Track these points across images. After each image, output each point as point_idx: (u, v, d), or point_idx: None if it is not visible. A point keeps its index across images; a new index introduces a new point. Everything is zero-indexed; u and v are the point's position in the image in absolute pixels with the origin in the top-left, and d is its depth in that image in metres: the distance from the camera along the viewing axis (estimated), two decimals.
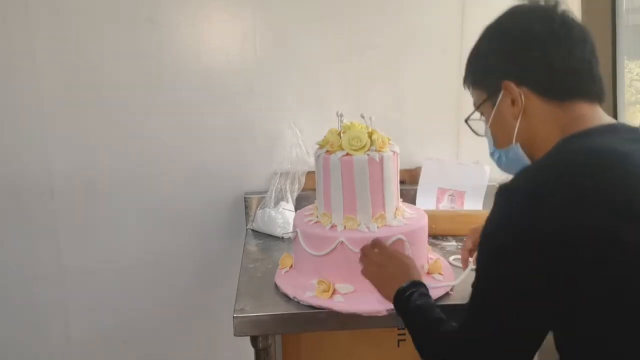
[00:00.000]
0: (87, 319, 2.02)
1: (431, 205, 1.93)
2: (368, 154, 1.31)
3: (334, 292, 1.29)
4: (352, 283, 1.30)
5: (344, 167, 1.31)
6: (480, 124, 1.09)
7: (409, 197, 1.91)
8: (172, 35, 1.86)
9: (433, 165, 1.95)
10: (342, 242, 1.29)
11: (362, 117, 1.36)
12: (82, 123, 1.88)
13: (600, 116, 0.99)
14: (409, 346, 2.08)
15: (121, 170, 1.92)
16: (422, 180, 1.95)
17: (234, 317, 1.28)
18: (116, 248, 1.97)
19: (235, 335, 1.29)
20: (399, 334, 2.03)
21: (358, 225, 1.32)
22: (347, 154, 1.32)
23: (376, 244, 1.27)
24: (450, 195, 1.94)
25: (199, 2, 1.85)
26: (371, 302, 1.26)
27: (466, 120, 1.12)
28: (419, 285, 1.16)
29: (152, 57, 1.87)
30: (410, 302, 1.11)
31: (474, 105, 1.07)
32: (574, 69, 0.96)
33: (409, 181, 1.97)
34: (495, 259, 0.88)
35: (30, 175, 1.90)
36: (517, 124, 0.98)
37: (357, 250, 1.29)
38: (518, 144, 1.01)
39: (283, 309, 1.31)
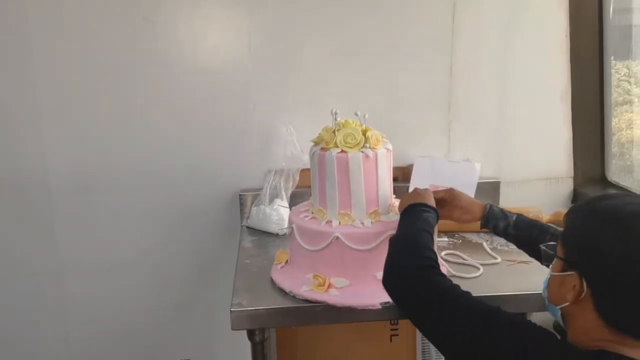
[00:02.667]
0: (84, 315, 2.03)
1: None
2: (362, 151, 1.34)
3: (329, 286, 1.32)
4: (346, 277, 1.33)
5: (338, 164, 1.34)
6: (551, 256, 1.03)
7: (401, 194, 1.90)
8: (168, 34, 1.88)
9: (425, 162, 1.98)
10: (337, 237, 1.32)
11: (356, 114, 1.38)
12: (79, 121, 1.89)
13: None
14: (401, 341, 2.12)
15: (118, 168, 1.93)
16: (414, 177, 1.98)
17: (231, 311, 1.30)
18: (113, 245, 1.99)
19: (232, 329, 1.31)
20: (391, 329, 2.06)
21: (353, 221, 1.35)
22: (342, 151, 1.34)
23: None
24: None
25: (194, 1, 1.87)
26: (366, 295, 1.29)
27: (542, 247, 1.07)
28: (433, 211, 1.24)
29: (148, 55, 1.88)
30: (420, 214, 1.21)
31: (557, 250, 0.99)
32: None
33: (402, 178, 1.99)
34: None
35: (27, 173, 1.91)
36: (566, 303, 0.94)
37: (352, 245, 1.31)
38: (559, 311, 0.98)
39: (279, 303, 1.33)
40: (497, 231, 1.36)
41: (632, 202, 0.90)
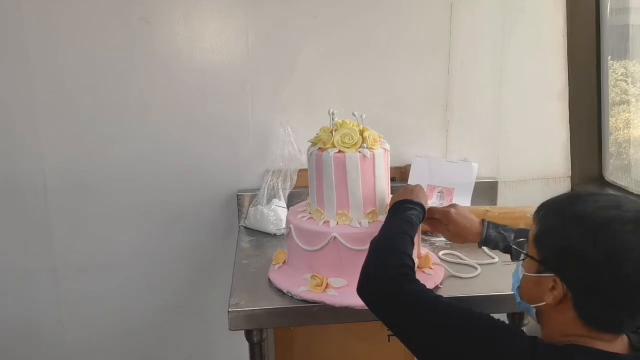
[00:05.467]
0: (80, 315, 2.03)
1: None
2: (360, 152, 1.34)
3: (327, 286, 1.32)
4: (344, 277, 1.33)
5: (336, 164, 1.34)
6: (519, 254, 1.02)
7: None
8: (165, 34, 1.88)
9: (422, 163, 1.98)
10: (335, 238, 1.32)
11: (354, 115, 1.38)
12: (76, 121, 1.89)
13: (616, 345, 0.91)
14: (398, 341, 2.12)
15: (114, 168, 1.93)
16: (412, 177, 1.98)
17: (229, 311, 1.30)
18: (109, 245, 1.98)
19: (230, 329, 1.31)
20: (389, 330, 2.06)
21: (350, 221, 1.35)
22: (340, 152, 1.35)
23: None
24: (439, 193, 1.98)
25: (192, 1, 1.87)
26: None
27: (512, 245, 1.05)
28: (422, 210, 1.25)
29: (145, 56, 1.88)
30: (404, 212, 1.22)
31: (528, 247, 0.98)
32: (631, 313, 0.89)
33: (399, 178, 2.00)
34: None
35: (24, 173, 1.90)
36: (543, 304, 0.94)
37: (350, 245, 1.32)
38: (534, 310, 0.99)
39: (277, 303, 1.34)
40: (499, 250, 1.35)
41: (608, 205, 0.89)
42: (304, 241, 1.37)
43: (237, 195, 1.95)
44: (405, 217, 1.21)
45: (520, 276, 1.01)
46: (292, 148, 1.89)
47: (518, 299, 1.03)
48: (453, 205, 1.36)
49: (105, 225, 1.97)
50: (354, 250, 1.32)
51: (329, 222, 1.36)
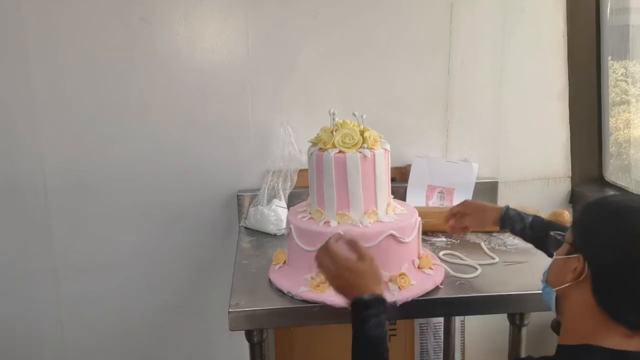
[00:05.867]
0: (80, 315, 2.03)
1: (421, 202, 1.96)
2: (360, 152, 1.34)
3: (327, 286, 1.32)
4: None
5: (336, 164, 1.34)
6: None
7: (399, 194, 1.94)
8: (165, 34, 1.88)
9: (423, 163, 1.98)
10: None
11: (354, 115, 1.38)
12: (75, 121, 1.89)
13: (631, 342, 0.92)
14: (399, 341, 2.13)
15: (114, 168, 1.93)
16: (412, 177, 1.98)
17: (229, 312, 1.30)
18: (109, 245, 1.98)
19: (230, 329, 1.31)
20: (389, 329, 2.06)
21: (351, 221, 1.35)
22: (340, 152, 1.34)
23: (350, 243, 1.17)
24: (439, 193, 1.98)
25: (191, 1, 1.87)
26: None
27: (551, 233, 1.14)
28: (380, 305, 1.08)
29: (145, 56, 1.88)
30: (365, 330, 1.05)
31: (566, 237, 1.01)
32: None
33: (400, 178, 2.00)
34: None
35: (24, 173, 1.90)
36: (564, 285, 0.96)
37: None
38: (554, 293, 1.00)
39: (277, 303, 1.33)
40: (514, 232, 1.42)
41: (635, 198, 0.95)
42: (304, 241, 1.37)
43: (237, 195, 1.95)
44: (367, 336, 1.05)
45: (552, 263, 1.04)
46: (292, 148, 1.89)
47: (542, 284, 1.05)
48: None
49: (105, 225, 1.97)
50: None
51: (329, 222, 1.36)
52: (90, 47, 1.85)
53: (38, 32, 1.82)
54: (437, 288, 1.37)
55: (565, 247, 1.00)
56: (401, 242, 1.35)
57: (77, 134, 1.90)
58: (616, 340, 0.90)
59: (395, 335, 2.06)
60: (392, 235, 1.33)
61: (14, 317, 2.01)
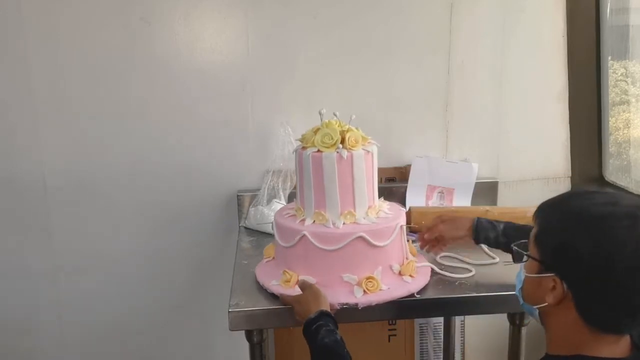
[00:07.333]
0: (80, 315, 2.03)
1: (421, 202, 1.96)
2: (337, 151, 1.33)
3: (297, 282, 1.33)
4: (313, 276, 1.34)
5: (313, 163, 1.35)
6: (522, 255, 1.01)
7: (399, 194, 1.94)
8: (165, 34, 1.88)
9: (422, 163, 1.98)
10: (304, 235, 1.33)
11: (335, 115, 1.39)
12: (75, 121, 1.89)
13: (619, 346, 0.91)
14: (399, 341, 2.12)
15: (114, 168, 1.93)
16: (411, 177, 1.98)
17: (229, 311, 1.30)
18: (109, 245, 1.99)
19: (230, 329, 1.31)
20: (389, 329, 2.06)
21: (326, 221, 1.35)
22: (318, 151, 1.35)
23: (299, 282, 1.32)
24: (439, 193, 1.98)
25: (191, 1, 1.87)
26: (328, 295, 1.27)
27: (513, 246, 1.04)
28: (326, 317, 1.18)
29: (145, 55, 1.88)
30: (318, 340, 1.15)
31: (529, 248, 0.98)
32: (630, 312, 0.87)
33: (400, 178, 2.00)
34: None
35: (24, 173, 1.90)
36: (545, 304, 0.93)
37: (319, 245, 1.32)
38: (537, 312, 0.98)
39: (277, 303, 1.33)
40: (489, 243, 1.41)
41: (605, 201, 0.89)
42: (281, 237, 1.40)
43: (237, 195, 1.95)
44: (323, 344, 1.15)
45: (523, 277, 1.01)
46: (292, 148, 1.88)
47: (521, 301, 1.03)
48: None
49: (105, 225, 1.97)
50: (321, 250, 1.32)
51: (304, 220, 1.37)
52: (90, 47, 1.85)
53: (38, 32, 1.82)
54: (411, 296, 1.34)
55: (533, 263, 0.95)
56: (373, 246, 1.33)
57: (77, 134, 1.90)
58: (608, 348, 0.89)
59: (395, 335, 2.06)
60: (362, 237, 1.31)
61: (14, 317, 2.01)
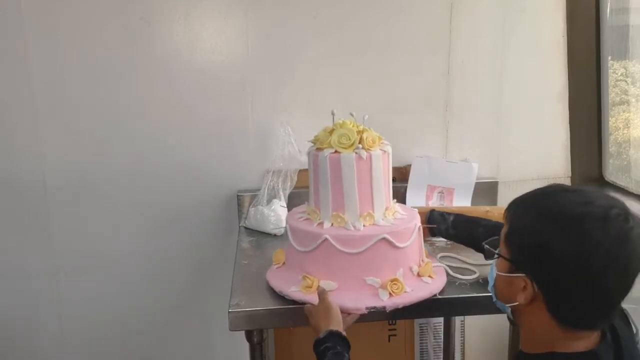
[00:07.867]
0: (80, 315, 2.03)
1: (421, 202, 1.96)
2: (356, 152, 1.31)
3: (318, 288, 1.30)
4: (335, 280, 1.31)
5: (331, 164, 1.32)
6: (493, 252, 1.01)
7: (399, 194, 1.94)
8: (165, 34, 1.88)
9: (422, 163, 1.98)
10: (326, 239, 1.29)
11: (352, 115, 1.37)
12: (75, 121, 1.89)
13: (589, 340, 0.91)
14: (399, 341, 2.12)
15: (114, 168, 1.93)
16: (412, 177, 1.98)
17: (229, 312, 1.30)
18: (109, 245, 1.98)
19: (230, 329, 1.31)
20: (389, 330, 2.06)
21: (345, 224, 1.32)
22: (336, 152, 1.32)
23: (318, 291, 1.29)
24: (439, 193, 1.98)
25: (191, 1, 1.87)
26: (352, 299, 1.27)
27: (484, 244, 1.04)
28: (335, 337, 1.16)
29: (145, 56, 1.88)
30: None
31: (500, 246, 0.97)
32: (603, 311, 0.88)
33: (400, 178, 1.99)
34: None
35: (24, 173, 1.90)
36: (517, 303, 0.93)
37: (341, 248, 1.29)
38: (510, 310, 0.98)
39: (277, 303, 1.33)
40: (441, 234, 1.42)
41: (579, 201, 0.88)
42: (297, 242, 1.36)
43: (237, 195, 1.95)
44: None
45: (494, 275, 1.00)
46: (292, 148, 1.89)
47: (494, 298, 1.03)
48: None
49: (105, 225, 1.97)
50: (344, 253, 1.29)
51: (322, 223, 1.34)
52: (90, 47, 1.85)
53: (38, 32, 1.82)
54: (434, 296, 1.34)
55: (505, 263, 0.94)
56: (396, 247, 1.31)
57: (77, 134, 1.90)
58: (582, 342, 0.89)
59: (395, 335, 2.06)
60: (385, 239, 1.29)
61: (14, 317, 2.01)
